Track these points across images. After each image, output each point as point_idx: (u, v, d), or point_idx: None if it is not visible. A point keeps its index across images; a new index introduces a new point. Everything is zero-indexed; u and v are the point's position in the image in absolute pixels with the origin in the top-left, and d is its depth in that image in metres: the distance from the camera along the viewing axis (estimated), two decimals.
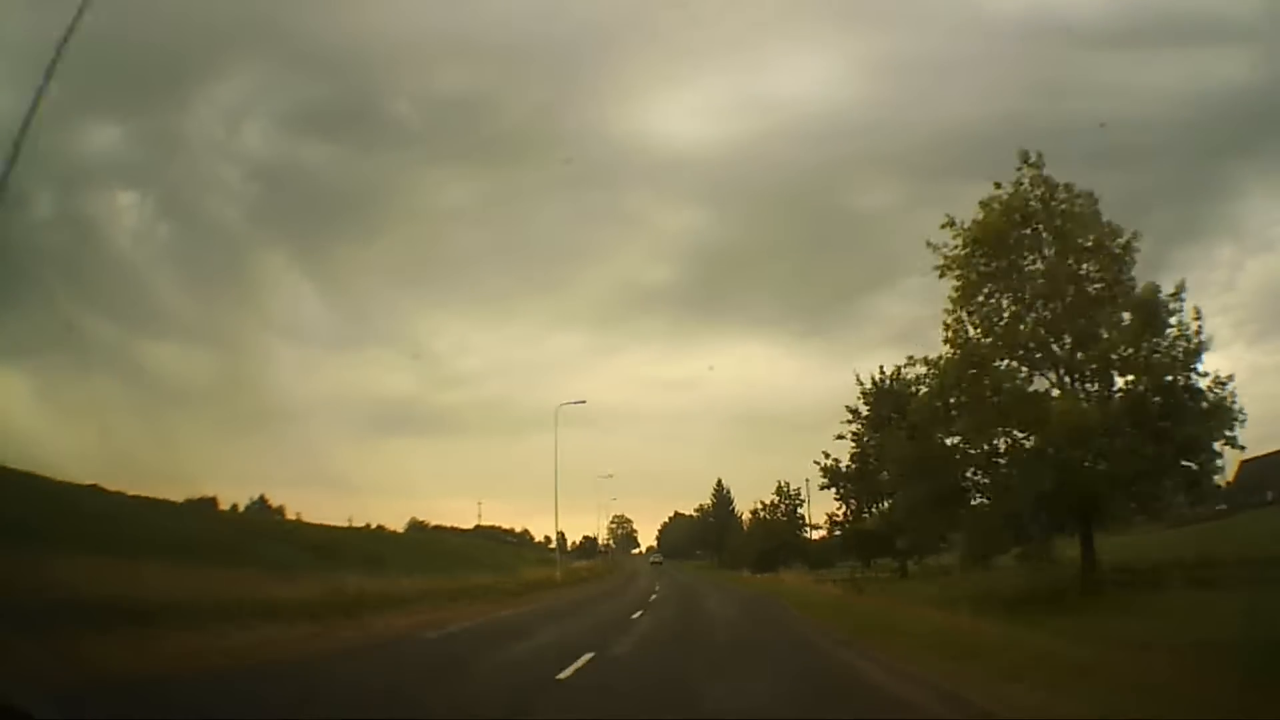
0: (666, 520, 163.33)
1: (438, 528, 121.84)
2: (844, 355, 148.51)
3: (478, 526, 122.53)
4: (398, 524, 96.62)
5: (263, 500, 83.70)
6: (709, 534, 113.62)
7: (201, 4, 77.96)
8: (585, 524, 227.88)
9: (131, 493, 32.98)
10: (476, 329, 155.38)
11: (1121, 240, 21.83)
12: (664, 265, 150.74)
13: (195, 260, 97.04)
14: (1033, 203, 22.26)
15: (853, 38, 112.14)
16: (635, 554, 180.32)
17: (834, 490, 45.85)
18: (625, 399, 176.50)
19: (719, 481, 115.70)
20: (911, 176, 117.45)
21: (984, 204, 22.53)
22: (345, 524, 64.08)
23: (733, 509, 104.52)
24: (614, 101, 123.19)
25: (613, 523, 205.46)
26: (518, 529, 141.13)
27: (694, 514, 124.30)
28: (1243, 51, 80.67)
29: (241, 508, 66.38)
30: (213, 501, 54.09)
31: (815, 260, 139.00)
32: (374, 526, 77.39)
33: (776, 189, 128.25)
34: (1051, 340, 22.09)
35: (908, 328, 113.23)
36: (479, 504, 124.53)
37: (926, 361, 23.23)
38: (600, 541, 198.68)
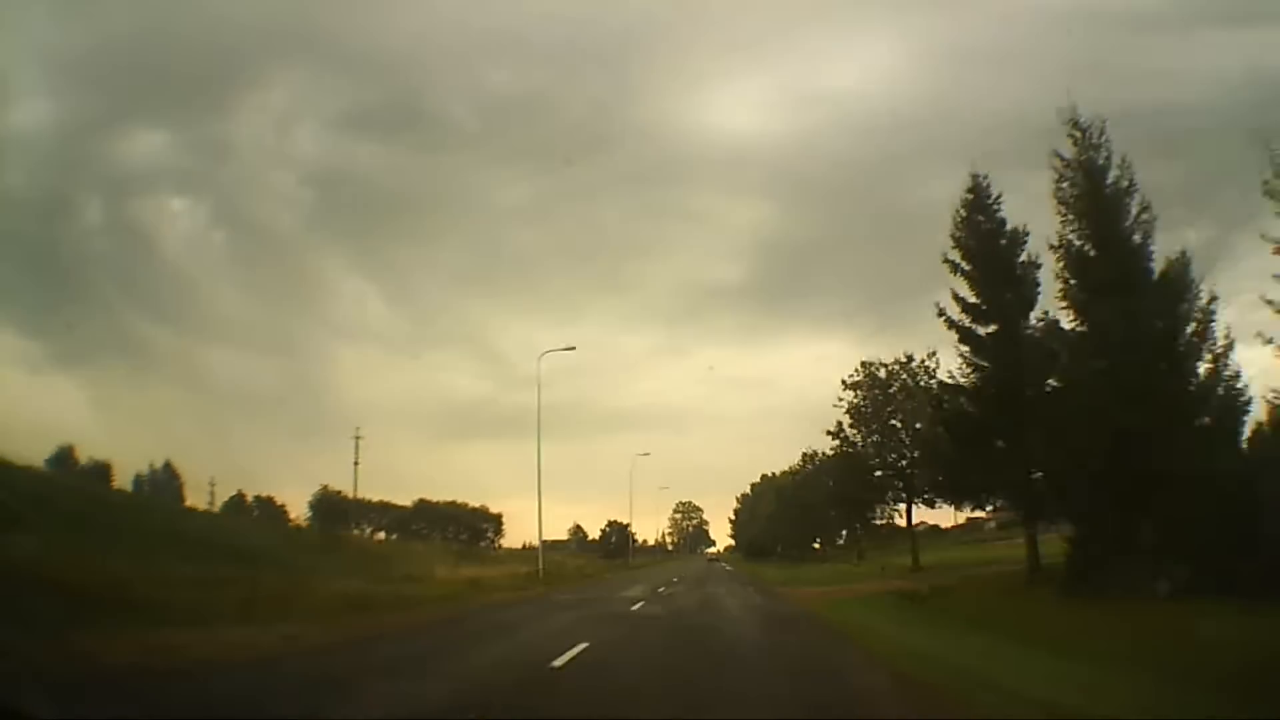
0: (748, 490, 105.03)
1: (361, 503, 75.14)
2: (916, 351, 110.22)
3: (420, 502, 74.56)
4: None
5: (168, 469, 68.05)
6: (852, 472, 40.27)
7: (250, 10, 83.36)
8: (656, 525, 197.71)
9: None
10: (544, 330, 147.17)
11: None
12: (731, 262, 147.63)
13: (249, 265, 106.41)
14: None
15: (909, 26, 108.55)
16: (710, 552, 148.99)
17: None
18: (697, 398, 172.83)
19: None
20: (972, 165, 76.83)
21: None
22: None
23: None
24: (672, 96, 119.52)
25: (677, 512, 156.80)
26: (492, 508, 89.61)
27: (801, 462, 63.35)
28: None
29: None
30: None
31: (882, 254, 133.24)
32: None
33: (839, 182, 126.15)
34: None
35: None
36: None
37: None
38: (667, 538, 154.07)
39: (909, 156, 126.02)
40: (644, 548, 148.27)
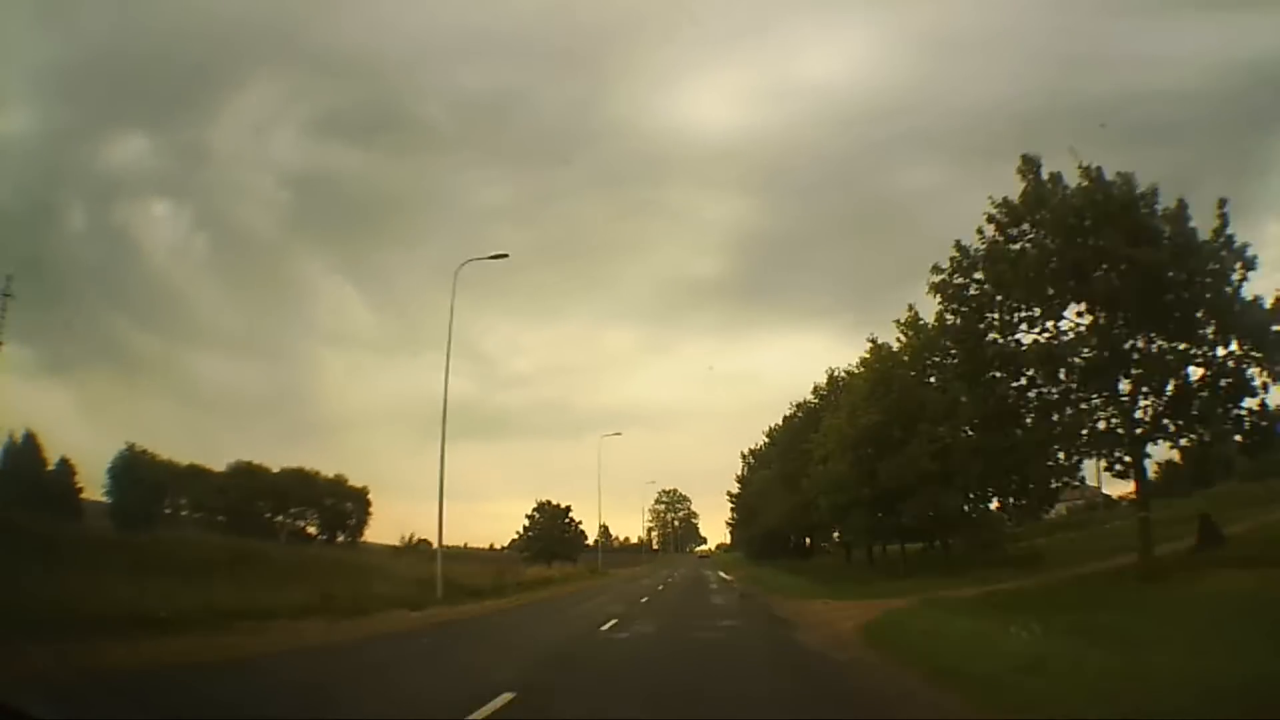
0: (759, 444, 68.54)
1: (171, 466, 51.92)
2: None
3: (241, 465, 51.21)
4: None
5: (30, 439, 52.26)
6: None
7: (226, 15, 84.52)
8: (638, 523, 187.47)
9: None
10: (527, 330, 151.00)
11: None
12: (711, 258, 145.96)
13: (229, 268, 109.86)
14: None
15: (887, 15, 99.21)
16: (701, 551, 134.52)
17: None
18: (679, 395, 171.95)
19: None
20: (954, 156, 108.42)
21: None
22: None
23: None
24: (649, 93, 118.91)
25: (660, 503, 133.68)
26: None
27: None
28: None
29: None
30: None
31: (863, 247, 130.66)
32: None
33: (818, 175, 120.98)
34: None
35: None
36: None
37: None
38: (650, 536, 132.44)
39: (888, 146, 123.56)
40: (625, 546, 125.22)
